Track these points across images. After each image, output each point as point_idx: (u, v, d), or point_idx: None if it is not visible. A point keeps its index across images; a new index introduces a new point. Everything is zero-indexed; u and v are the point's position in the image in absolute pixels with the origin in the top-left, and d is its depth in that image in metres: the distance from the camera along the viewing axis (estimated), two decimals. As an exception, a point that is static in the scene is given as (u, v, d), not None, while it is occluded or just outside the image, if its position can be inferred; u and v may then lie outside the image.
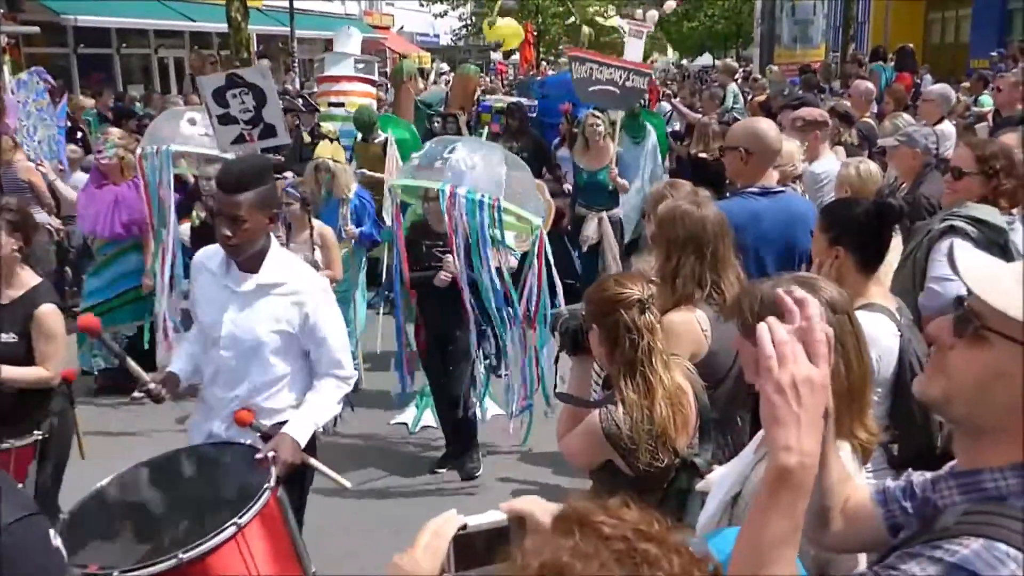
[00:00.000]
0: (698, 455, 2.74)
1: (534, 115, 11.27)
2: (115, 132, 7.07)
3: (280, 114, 5.26)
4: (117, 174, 6.78)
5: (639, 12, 15.92)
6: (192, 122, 6.13)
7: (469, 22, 42.14)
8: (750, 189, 3.98)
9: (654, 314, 2.70)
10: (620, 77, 8.39)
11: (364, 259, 7.31)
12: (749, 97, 12.60)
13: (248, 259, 3.26)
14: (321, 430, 5.64)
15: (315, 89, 12.62)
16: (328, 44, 29.43)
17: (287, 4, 22.87)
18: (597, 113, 8.58)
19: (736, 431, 3.35)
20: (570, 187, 9.11)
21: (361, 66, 10.99)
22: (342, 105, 10.13)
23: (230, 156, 5.10)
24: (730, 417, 3.35)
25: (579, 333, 2.83)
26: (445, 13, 39.95)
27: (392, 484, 5.56)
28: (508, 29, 19.02)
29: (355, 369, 6.44)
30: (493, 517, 1.43)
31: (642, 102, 10.76)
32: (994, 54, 16.08)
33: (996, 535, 1.28)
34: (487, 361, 5.76)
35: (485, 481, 5.56)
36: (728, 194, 4.42)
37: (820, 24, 21.34)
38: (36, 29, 20.20)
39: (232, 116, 5.26)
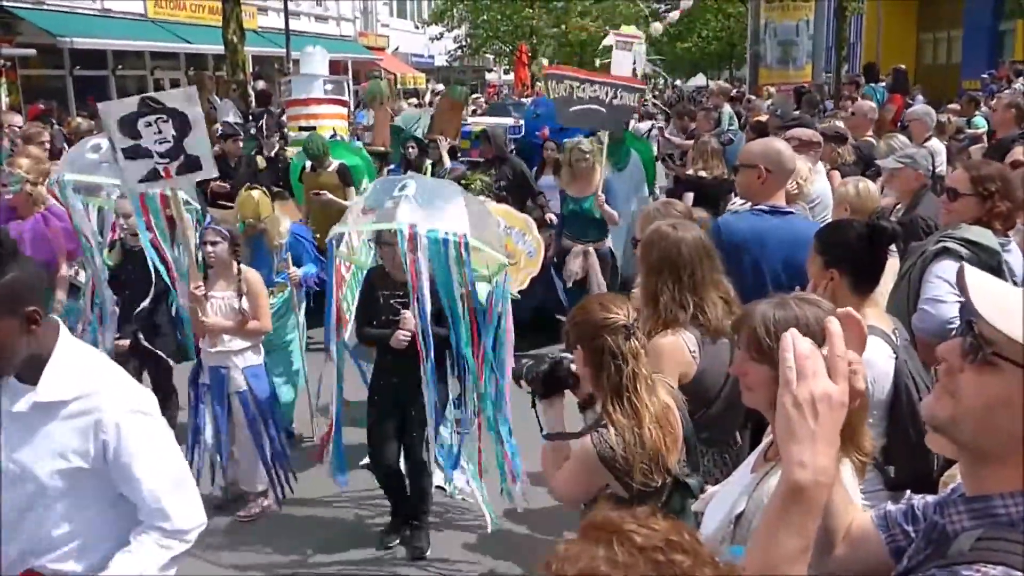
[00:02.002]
0: (690, 476, 2.75)
1: (519, 136, 10.83)
2: (22, 162, 6.20)
3: (207, 144, 4.58)
4: (26, 208, 6.06)
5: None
6: (96, 148, 5.30)
7: (464, 43, 42.36)
8: (760, 207, 4.00)
9: (639, 339, 2.72)
10: (606, 94, 7.76)
11: (304, 300, 6.49)
12: (742, 118, 12.67)
13: (23, 369, 2.30)
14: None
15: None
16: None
17: (283, 26, 22.97)
18: (583, 143, 7.80)
19: (733, 450, 3.36)
20: (554, 217, 8.33)
21: (330, 87, 10.71)
22: (313, 129, 9.87)
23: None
24: (725, 438, 3.35)
25: (548, 376, 2.83)
26: (441, 35, 40.17)
27: (335, 561, 4.91)
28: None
29: (291, 428, 5.68)
30: None
31: (624, 125, 10.29)
32: (985, 75, 16.22)
33: (1015, 563, 1.26)
34: (452, 425, 5.00)
35: (446, 555, 4.95)
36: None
37: (806, 45, 21.40)
38: (32, 52, 20.27)
39: (144, 148, 4.48)
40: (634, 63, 9.26)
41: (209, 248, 5.09)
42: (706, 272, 3.28)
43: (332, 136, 9.80)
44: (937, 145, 7.88)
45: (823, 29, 17.04)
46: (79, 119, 13.33)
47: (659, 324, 3.21)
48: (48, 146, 9.33)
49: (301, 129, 10.11)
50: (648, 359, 2.78)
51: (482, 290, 4.62)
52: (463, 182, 6.62)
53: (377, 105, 11.08)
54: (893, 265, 3.65)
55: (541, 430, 2.92)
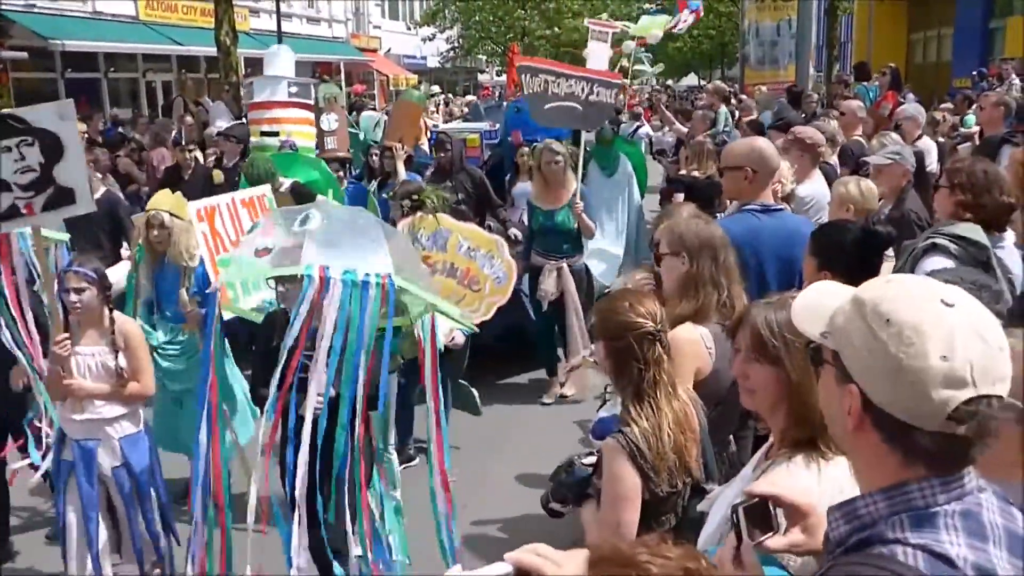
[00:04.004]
0: (707, 482, 2.73)
1: (495, 141, 10.07)
2: None
3: (83, 171, 3.79)
4: None
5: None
6: None
7: (456, 44, 42.40)
8: (750, 207, 4.01)
9: (664, 344, 2.68)
10: (583, 90, 7.12)
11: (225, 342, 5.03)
12: (734, 117, 12.69)
13: None
14: None
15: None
16: (316, 67, 29.56)
17: (275, 28, 22.97)
18: (555, 144, 7.06)
19: (729, 451, 3.37)
20: (518, 233, 7.58)
21: (295, 89, 9.78)
22: (276, 134, 9.11)
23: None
24: (723, 438, 3.37)
25: (581, 487, 2.73)
26: (433, 37, 40.20)
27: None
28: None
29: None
30: (498, 570, 1.34)
31: (615, 128, 9.92)
32: (974, 73, 16.27)
33: None
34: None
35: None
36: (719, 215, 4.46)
37: (787, 45, 21.44)
38: (24, 55, 20.23)
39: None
40: (630, 62, 8.99)
41: (73, 297, 4.07)
42: (733, 261, 3.31)
43: (283, 147, 8.87)
44: (928, 143, 7.92)
45: (808, 29, 17.03)
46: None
47: (692, 313, 3.19)
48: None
49: (263, 135, 9.28)
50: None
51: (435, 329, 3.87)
52: (416, 197, 5.90)
53: (338, 107, 10.29)
54: (888, 269, 3.67)
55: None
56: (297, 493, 3.45)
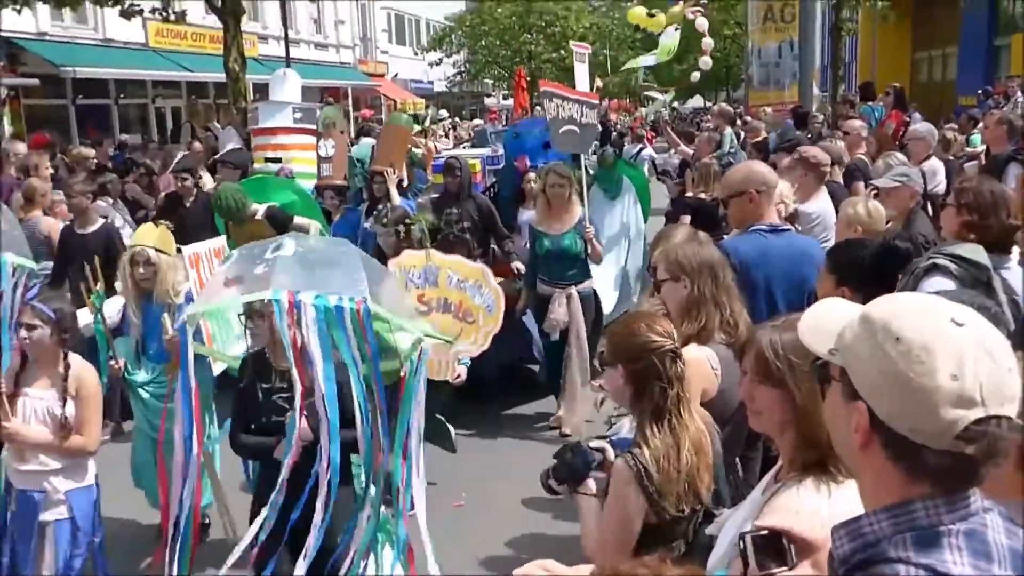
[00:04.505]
0: (717, 508, 2.72)
1: (499, 167, 9.78)
2: None
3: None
4: None
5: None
6: None
7: (463, 69, 42.68)
8: (758, 226, 4.03)
9: (683, 362, 2.69)
10: (577, 113, 7.11)
11: (212, 381, 4.90)
12: (740, 139, 12.73)
13: None
14: None
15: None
16: (324, 92, 29.72)
17: (283, 53, 23.14)
18: (559, 166, 6.88)
19: (736, 473, 3.36)
20: (521, 267, 7.14)
21: (299, 115, 9.65)
22: (279, 160, 9.04)
23: None
24: (730, 460, 3.36)
25: (583, 468, 2.72)
26: (440, 61, 40.47)
27: None
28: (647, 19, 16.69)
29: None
30: None
31: (616, 151, 9.83)
32: (980, 92, 16.29)
33: None
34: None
35: None
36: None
37: (790, 66, 21.54)
38: (35, 82, 20.44)
39: None
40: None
41: (23, 332, 3.85)
42: (731, 280, 3.33)
43: (279, 174, 8.64)
44: (936, 164, 7.92)
45: (811, 49, 17.10)
46: (82, 148, 13.45)
47: (696, 334, 3.20)
48: (50, 174, 9.44)
49: (267, 160, 9.15)
50: None
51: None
52: (406, 222, 5.82)
53: (336, 133, 9.65)
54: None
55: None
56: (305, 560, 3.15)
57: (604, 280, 8.07)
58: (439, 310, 5.73)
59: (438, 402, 5.42)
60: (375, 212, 7.04)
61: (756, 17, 22.66)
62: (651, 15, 16.10)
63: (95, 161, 11.87)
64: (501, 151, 10.18)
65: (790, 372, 2.09)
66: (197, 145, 13.25)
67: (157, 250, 4.89)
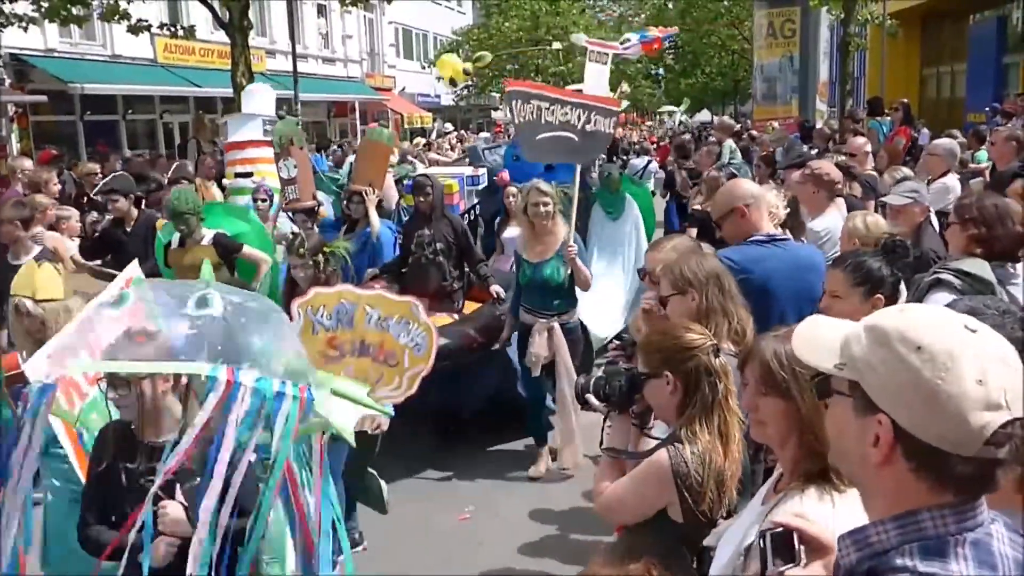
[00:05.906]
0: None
1: (483, 186, 9.45)
2: None
3: None
4: None
5: None
6: None
7: (470, 82, 42.79)
8: (757, 237, 4.04)
9: (724, 357, 2.71)
10: (579, 118, 6.20)
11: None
12: (748, 153, 12.72)
13: None
14: None
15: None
16: (331, 106, 29.80)
17: (291, 68, 23.25)
18: (542, 184, 6.10)
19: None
20: (500, 291, 6.62)
21: (270, 127, 9.07)
22: (250, 175, 8.44)
23: None
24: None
25: (630, 390, 2.75)
26: (447, 75, 40.56)
27: None
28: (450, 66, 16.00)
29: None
30: None
31: (622, 167, 9.77)
32: (988, 109, 16.26)
33: None
34: None
35: None
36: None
37: (789, 80, 21.63)
38: (43, 98, 20.55)
39: None
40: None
41: None
42: (736, 288, 3.34)
43: (257, 191, 8.04)
44: (952, 181, 7.71)
45: (813, 65, 17.20)
46: (89, 164, 13.48)
47: None
48: (58, 190, 9.40)
49: (237, 176, 8.55)
50: None
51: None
52: (325, 249, 5.27)
53: (296, 150, 8.50)
54: (900, 303, 3.66)
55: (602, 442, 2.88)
56: None
57: (604, 302, 7.75)
58: (354, 354, 4.77)
59: (369, 456, 4.98)
60: (287, 241, 6.00)
61: (761, 33, 22.81)
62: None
63: (100, 175, 11.68)
64: (483, 171, 9.74)
65: (795, 382, 2.09)
66: (209, 160, 13.22)
67: (35, 300, 4.16)
